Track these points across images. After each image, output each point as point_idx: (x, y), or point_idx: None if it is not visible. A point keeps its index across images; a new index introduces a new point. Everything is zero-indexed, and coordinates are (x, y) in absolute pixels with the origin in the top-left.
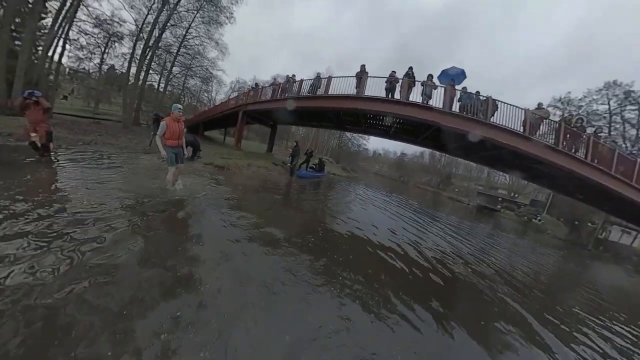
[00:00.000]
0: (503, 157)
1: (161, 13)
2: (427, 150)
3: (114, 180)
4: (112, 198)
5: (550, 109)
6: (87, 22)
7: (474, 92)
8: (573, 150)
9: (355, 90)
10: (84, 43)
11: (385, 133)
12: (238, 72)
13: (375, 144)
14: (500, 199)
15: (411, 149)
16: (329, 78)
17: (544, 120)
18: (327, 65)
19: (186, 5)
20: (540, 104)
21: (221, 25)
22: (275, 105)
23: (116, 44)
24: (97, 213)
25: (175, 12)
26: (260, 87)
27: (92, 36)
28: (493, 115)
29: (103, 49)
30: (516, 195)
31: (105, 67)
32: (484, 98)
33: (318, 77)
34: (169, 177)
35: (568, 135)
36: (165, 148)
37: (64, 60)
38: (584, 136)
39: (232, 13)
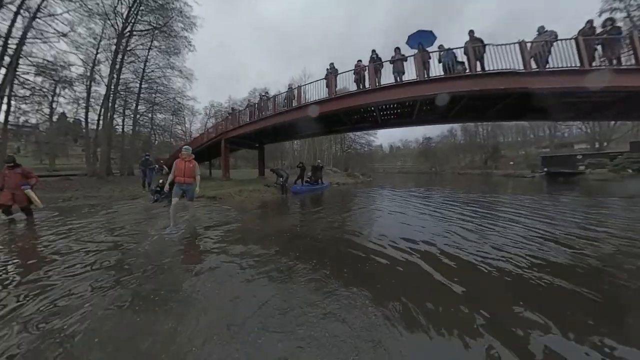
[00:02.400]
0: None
1: (117, 54)
2: (456, 126)
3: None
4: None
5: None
6: (29, 72)
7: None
8: None
9: (326, 91)
10: (27, 94)
11: (375, 124)
12: (212, 93)
13: (389, 137)
14: (580, 157)
15: (436, 130)
16: (299, 88)
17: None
18: (321, 57)
19: (138, 40)
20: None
21: (180, 53)
22: (255, 126)
23: (66, 90)
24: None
25: (129, 50)
26: (237, 111)
27: (36, 86)
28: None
29: (51, 97)
30: (605, 144)
31: (55, 116)
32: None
33: (290, 89)
34: (171, 209)
35: None
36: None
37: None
38: None
39: (189, 41)
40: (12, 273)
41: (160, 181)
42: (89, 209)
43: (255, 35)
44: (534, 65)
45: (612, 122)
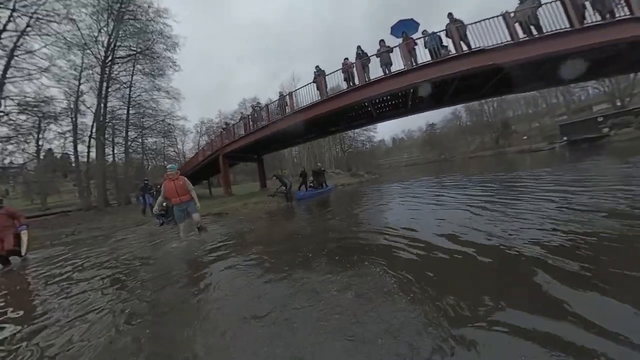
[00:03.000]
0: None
1: (102, 83)
2: (459, 107)
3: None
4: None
5: None
6: (11, 112)
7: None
8: None
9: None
10: (12, 134)
11: (371, 118)
12: (201, 109)
13: (391, 129)
14: (601, 119)
15: (438, 115)
16: (290, 94)
17: None
18: (310, 56)
19: (121, 67)
20: None
21: (165, 74)
22: (252, 138)
23: (51, 125)
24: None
25: (113, 77)
26: (231, 125)
27: (20, 125)
28: None
29: (36, 134)
30: (627, 100)
31: (42, 153)
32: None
33: (282, 96)
34: (181, 234)
35: None
36: (171, 209)
37: None
38: None
39: (174, 61)
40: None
41: (164, 204)
42: (95, 239)
43: (238, 41)
44: (522, 35)
45: (632, 76)
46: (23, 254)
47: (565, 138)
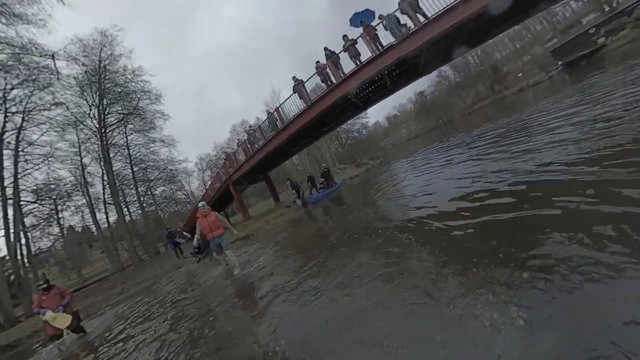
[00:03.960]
0: None
1: (105, 151)
2: (443, 68)
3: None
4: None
5: None
6: (29, 202)
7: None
8: None
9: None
10: (35, 222)
11: (357, 108)
12: (197, 145)
13: (382, 110)
14: (592, 30)
15: (424, 82)
16: (277, 110)
17: None
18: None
19: (115, 131)
20: None
21: (156, 126)
22: (254, 160)
23: (67, 203)
24: None
25: (112, 144)
26: (230, 153)
27: (41, 212)
28: None
29: (56, 216)
30: (615, 1)
31: (65, 231)
32: None
33: (270, 113)
34: (222, 264)
35: None
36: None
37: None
38: None
39: (162, 112)
40: None
41: (195, 242)
42: (147, 290)
43: (210, 69)
44: None
45: None
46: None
47: (559, 62)
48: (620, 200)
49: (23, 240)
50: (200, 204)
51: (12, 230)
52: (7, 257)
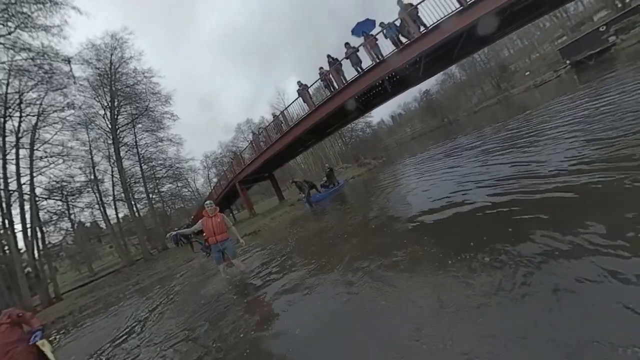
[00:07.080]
0: None
1: (117, 149)
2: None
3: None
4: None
5: None
6: (43, 198)
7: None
8: None
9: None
10: (47, 218)
11: (360, 111)
12: (202, 143)
13: (387, 108)
14: (602, 28)
15: (430, 80)
16: (282, 113)
17: None
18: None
19: (125, 131)
20: None
21: (164, 126)
22: (261, 160)
23: (77, 200)
24: None
25: (123, 143)
26: (238, 152)
27: (50, 207)
28: None
29: (67, 211)
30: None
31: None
32: None
33: (276, 117)
34: (222, 275)
35: None
36: (208, 249)
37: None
38: None
39: (172, 113)
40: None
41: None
42: (161, 281)
43: (215, 59)
44: None
45: None
46: None
47: (567, 61)
48: None
49: (39, 234)
50: (206, 203)
51: (29, 226)
52: (24, 251)
